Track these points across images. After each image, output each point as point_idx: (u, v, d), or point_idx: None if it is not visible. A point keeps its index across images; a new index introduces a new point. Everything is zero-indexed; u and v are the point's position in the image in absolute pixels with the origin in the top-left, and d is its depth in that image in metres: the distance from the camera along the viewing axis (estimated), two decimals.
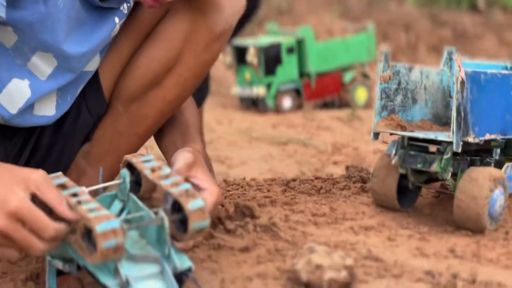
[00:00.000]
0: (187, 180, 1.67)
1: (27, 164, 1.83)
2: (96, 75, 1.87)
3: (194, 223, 1.56)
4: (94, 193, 1.63)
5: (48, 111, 1.77)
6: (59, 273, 1.65)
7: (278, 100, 4.76)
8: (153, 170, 1.64)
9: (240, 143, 3.88)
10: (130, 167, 1.69)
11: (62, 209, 1.47)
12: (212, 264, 1.77)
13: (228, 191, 2.21)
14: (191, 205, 1.56)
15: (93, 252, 1.49)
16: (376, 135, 2.02)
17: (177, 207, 1.60)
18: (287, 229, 1.94)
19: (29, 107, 1.74)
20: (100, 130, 1.89)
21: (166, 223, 1.54)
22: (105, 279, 1.52)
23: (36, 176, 1.46)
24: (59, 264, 1.60)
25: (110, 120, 1.88)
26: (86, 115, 1.87)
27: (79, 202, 1.52)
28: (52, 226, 1.46)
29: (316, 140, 3.87)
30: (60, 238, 1.50)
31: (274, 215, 2.02)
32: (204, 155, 1.85)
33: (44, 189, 1.46)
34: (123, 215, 1.62)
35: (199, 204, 1.57)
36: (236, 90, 4.89)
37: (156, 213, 1.56)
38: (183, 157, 1.71)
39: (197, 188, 1.68)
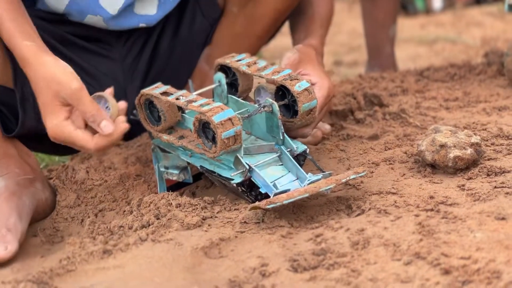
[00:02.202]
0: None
1: (148, 69, 1.87)
2: None
3: (303, 105, 1.56)
4: None
5: (149, 10, 1.78)
6: (176, 186, 1.69)
7: (427, 2, 4.62)
8: (248, 65, 1.64)
9: None
10: (224, 70, 1.70)
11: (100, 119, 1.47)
12: (339, 153, 1.76)
13: (361, 84, 2.18)
14: (297, 87, 1.55)
15: (211, 147, 1.51)
16: (511, 7, 1.93)
17: (279, 95, 1.60)
18: (417, 115, 1.91)
19: (129, 6, 1.75)
20: (218, 33, 1.90)
21: (276, 107, 1.54)
22: (226, 173, 1.55)
23: (70, 89, 1.47)
24: (174, 174, 1.64)
25: (226, 22, 1.88)
26: (201, 19, 1.88)
27: (189, 101, 1.54)
28: (91, 143, 1.48)
29: (466, 37, 3.75)
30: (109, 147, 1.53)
31: (405, 103, 1.98)
32: (321, 49, 1.80)
33: (78, 101, 1.47)
34: None
35: (305, 85, 1.56)
36: None
37: (260, 105, 1.56)
38: (286, 57, 1.70)
39: None
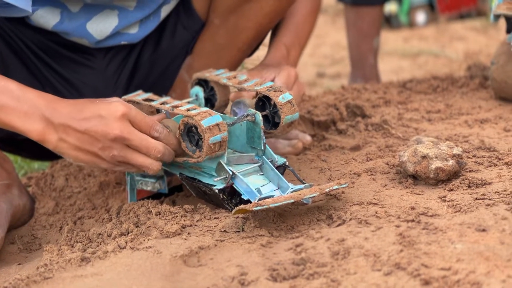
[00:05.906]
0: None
1: (130, 80, 1.86)
2: None
3: (286, 116, 1.55)
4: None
5: (131, 29, 1.79)
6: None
7: (411, 16, 4.64)
8: (229, 79, 1.64)
9: None
10: (201, 84, 1.69)
11: (157, 128, 1.48)
12: (320, 163, 1.76)
13: (343, 95, 2.18)
14: (281, 98, 1.55)
15: (195, 151, 1.50)
16: (497, 18, 1.94)
17: (260, 106, 1.59)
18: (399, 126, 1.91)
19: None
20: (200, 43, 1.89)
21: (259, 117, 1.53)
22: (208, 180, 1.53)
23: (122, 107, 1.46)
24: (149, 184, 1.62)
25: (208, 34, 1.87)
26: (181, 31, 1.88)
27: (175, 106, 1.53)
28: (156, 144, 1.48)
29: (448, 51, 3.77)
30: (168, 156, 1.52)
31: (387, 114, 1.98)
32: (282, 60, 1.80)
33: (135, 116, 1.47)
34: None
35: (288, 97, 1.56)
36: None
37: (244, 114, 1.56)
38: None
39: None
